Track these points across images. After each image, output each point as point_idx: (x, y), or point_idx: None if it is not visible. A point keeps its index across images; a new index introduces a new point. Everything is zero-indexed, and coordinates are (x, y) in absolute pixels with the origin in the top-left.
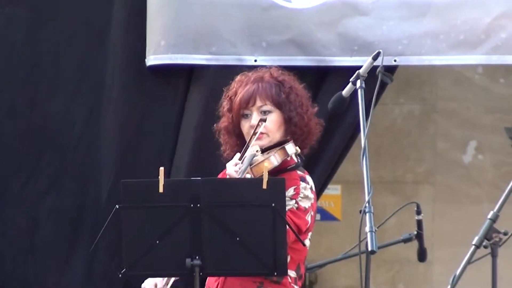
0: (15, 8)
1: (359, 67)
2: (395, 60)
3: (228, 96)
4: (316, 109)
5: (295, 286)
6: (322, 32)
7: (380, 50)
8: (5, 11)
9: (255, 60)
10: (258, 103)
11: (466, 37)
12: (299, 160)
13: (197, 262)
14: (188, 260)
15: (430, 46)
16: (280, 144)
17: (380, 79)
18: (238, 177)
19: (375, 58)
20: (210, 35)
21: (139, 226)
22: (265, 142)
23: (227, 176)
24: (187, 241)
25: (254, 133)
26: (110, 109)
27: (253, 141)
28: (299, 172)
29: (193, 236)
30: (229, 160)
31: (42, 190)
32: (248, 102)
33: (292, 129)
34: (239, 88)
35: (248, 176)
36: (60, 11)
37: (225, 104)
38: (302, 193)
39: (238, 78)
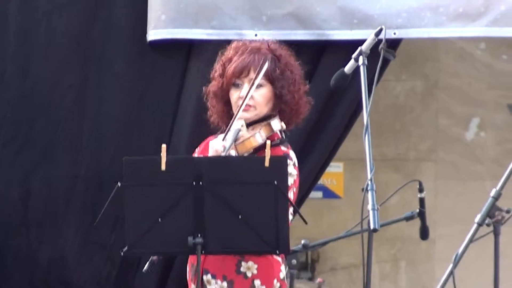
0: None
1: (359, 41)
2: (394, 33)
3: (222, 61)
4: (307, 87)
5: (277, 257)
6: (322, 6)
7: (383, 26)
8: None
9: (256, 35)
10: (251, 74)
11: (466, 9)
12: (284, 136)
13: (199, 240)
14: (190, 238)
15: (430, 18)
16: (266, 119)
17: (383, 55)
18: (223, 154)
19: (377, 34)
20: (211, 9)
21: (141, 204)
22: (252, 115)
23: (212, 152)
24: (190, 219)
25: (241, 105)
26: (110, 83)
27: (239, 114)
28: (283, 148)
29: (195, 214)
30: (216, 126)
31: (35, 160)
32: (241, 72)
33: (281, 106)
34: (235, 55)
35: (233, 152)
36: None
37: (217, 68)
38: None
39: (234, 44)
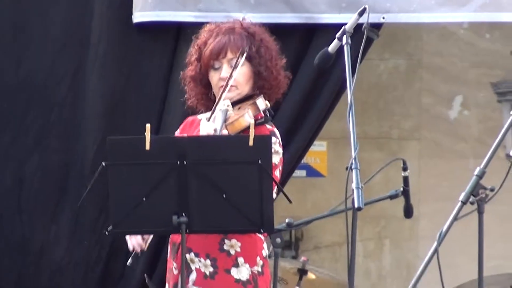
0: None
1: None
2: (383, 18)
3: (197, 45)
4: (284, 61)
5: (260, 235)
6: None
7: (366, 6)
8: None
9: (243, 18)
10: (229, 55)
11: None
12: (268, 115)
13: (183, 219)
14: (174, 218)
15: (419, 3)
16: (249, 98)
17: (366, 35)
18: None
19: (361, 14)
20: None
21: (125, 184)
22: (234, 94)
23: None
24: (174, 199)
25: (226, 87)
26: (96, 66)
27: (224, 95)
28: (268, 126)
29: (180, 193)
30: (194, 108)
31: (28, 147)
32: (219, 54)
33: (261, 83)
34: (210, 38)
35: (225, 132)
36: None
37: (193, 53)
38: (273, 148)
39: (207, 27)
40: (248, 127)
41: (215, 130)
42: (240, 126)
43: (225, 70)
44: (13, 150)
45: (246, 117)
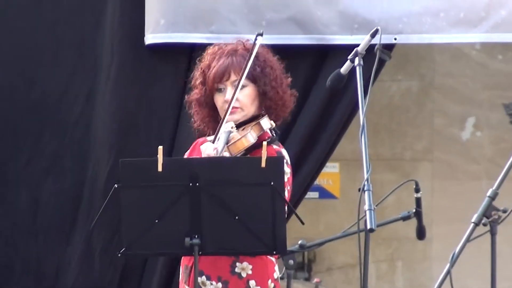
0: None
1: None
2: (395, 39)
3: (201, 68)
4: (289, 79)
5: (271, 258)
6: (322, 10)
7: (378, 27)
8: None
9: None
10: (233, 77)
11: (466, 15)
12: (274, 134)
13: (196, 241)
14: (187, 239)
15: (431, 24)
16: (254, 119)
17: (378, 56)
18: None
19: (373, 35)
20: (210, 13)
21: (138, 205)
22: (240, 116)
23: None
24: (186, 220)
25: (228, 108)
26: (108, 88)
27: (227, 117)
28: (274, 146)
29: (192, 215)
30: (201, 131)
31: (43, 169)
32: (222, 77)
33: (267, 103)
34: (213, 61)
35: (226, 154)
36: None
37: (198, 77)
38: None
39: (210, 50)
40: (251, 148)
41: (216, 151)
42: (243, 146)
43: (229, 92)
44: (28, 171)
45: (249, 137)
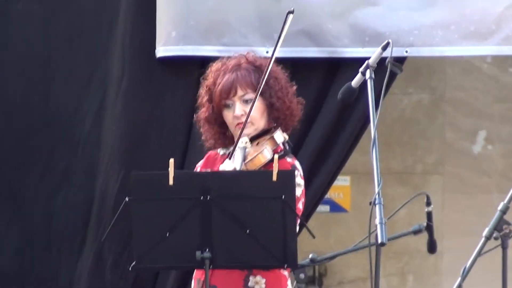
0: (28, 4)
1: None
2: (406, 51)
3: (206, 86)
4: (294, 88)
5: (284, 272)
6: (333, 23)
7: (389, 40)
8: (18, 7)
9: (267, 52)
10: (239, 92)
11: (477, 27)
12: (287, 147)
13: (207, 254)
14: (198, 253)
15: (442, 37)
16: (266, 132)
17: (390, 69)
18: None
19: (384, 48)
20: (221, 26)
21: (149, 219)
22: (251, 130)
23: None
24: (197, 234)
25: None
26: (119, 100)
27: (242, 132)
28: (288, 159)
29: (203, 229)
30: (212, 149)
31: (55, 184)
32: (229, 93)
33: (275, 114)
34: (218, 78)
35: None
36: (71, 6)
37: (204, 95)
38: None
39: (214, 67)
40: (267, 163)
41: (235, 170)
42: (260, 162)
43: (238, 108)
44: (41, 186)
45: (265, 153)
